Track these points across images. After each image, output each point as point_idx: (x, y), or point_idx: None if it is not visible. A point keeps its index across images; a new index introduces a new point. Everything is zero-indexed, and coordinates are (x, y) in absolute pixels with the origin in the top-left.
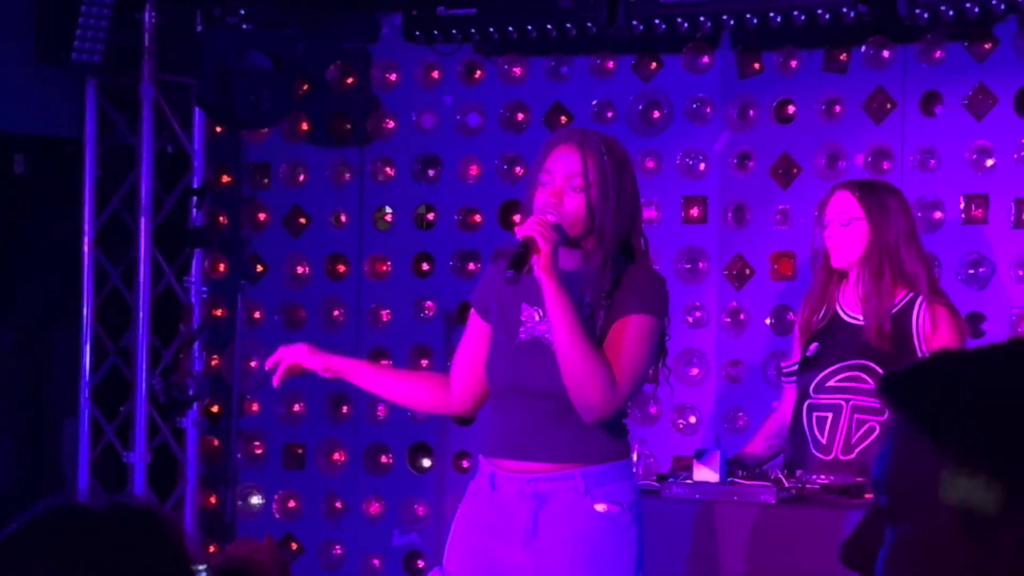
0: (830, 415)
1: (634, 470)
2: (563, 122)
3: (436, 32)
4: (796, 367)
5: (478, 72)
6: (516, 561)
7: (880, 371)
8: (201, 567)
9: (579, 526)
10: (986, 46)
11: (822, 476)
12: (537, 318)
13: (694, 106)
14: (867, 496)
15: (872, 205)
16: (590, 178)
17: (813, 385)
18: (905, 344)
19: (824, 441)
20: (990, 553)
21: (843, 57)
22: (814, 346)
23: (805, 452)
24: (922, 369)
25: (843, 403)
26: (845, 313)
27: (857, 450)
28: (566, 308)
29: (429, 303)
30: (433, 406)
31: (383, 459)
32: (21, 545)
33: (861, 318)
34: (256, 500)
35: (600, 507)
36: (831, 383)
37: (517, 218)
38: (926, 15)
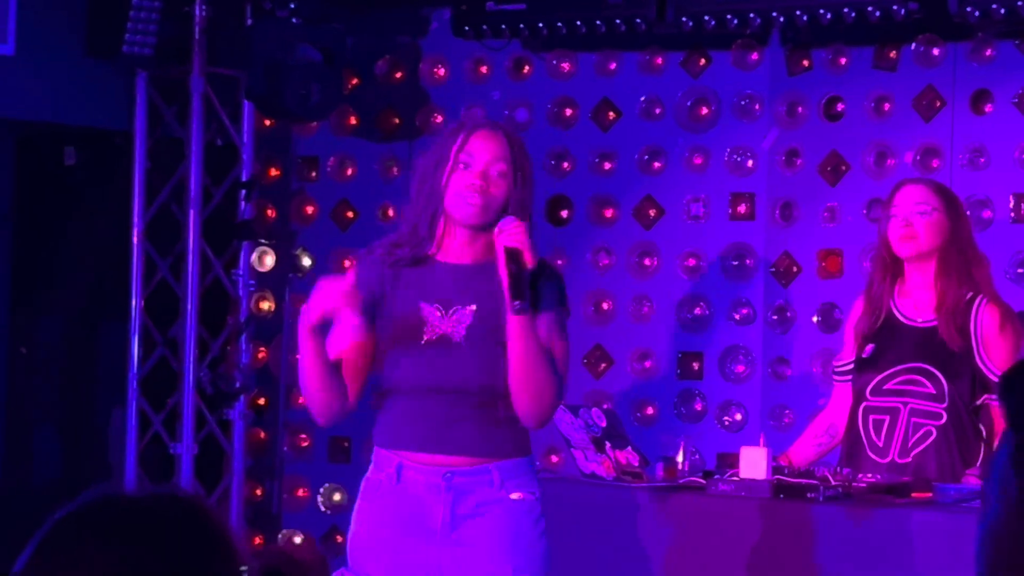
0: (887, 418)
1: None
2: (611, 118)
3: (485, 27)
4: (850, 366)
5: (526, 67)
6: (433, 556)
7: (938, 374)
8: (243, 568)
9: (497, 516)
10: None
11: (869, 475)
12: (439, 315)
13: (742, 103)
14: (913, 495)
15: (947, 200)
16: (516, 165)
17: (870, 388)
18: (965, 344)
19: (881, 444)
20: None
21: (893, 55)
22: (870, 347)
23: (861, 454)
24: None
25: (901, 406)
26: (901, 314)
27: (913, 453)
28: (533, 336)
29: None
30: (341, 408)
31: None
32: (68, 530)
33: (918, 320)
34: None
35: (515, 495)
36: (888, 386)
37: (498, 229)
38: (977, 13)
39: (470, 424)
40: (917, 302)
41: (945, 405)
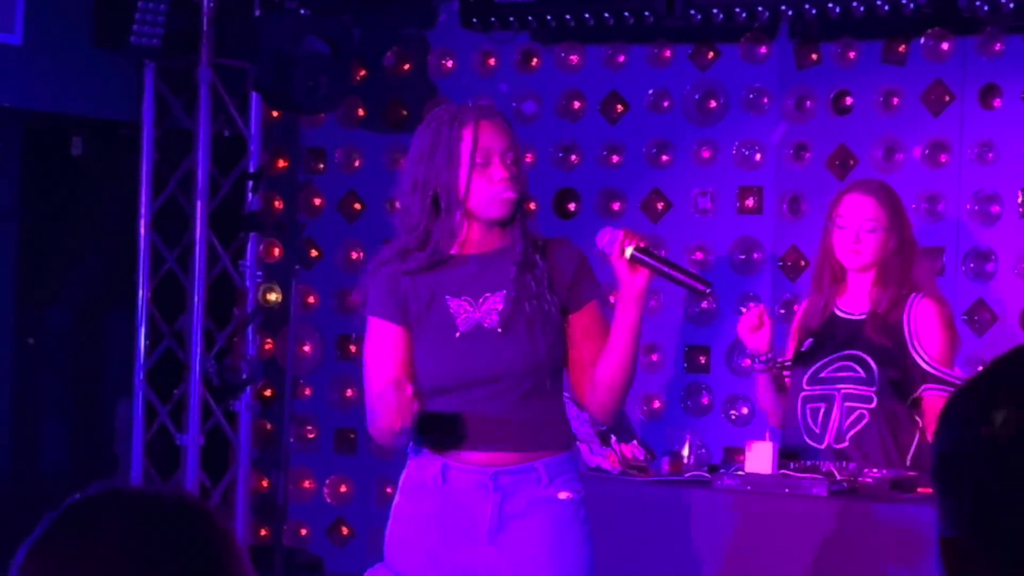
0: (823, 406)
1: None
2: (619, 111)
3: (493, 19)
4: (788, 363)
5: (535, 60)
6: (479, 557)
7: (868, 359)
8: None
9: (545, 516)
10: None
11: (875, 470)
12: (469, 307)
13: (751, 96)
14: (919, 490)
15: (892, 211)
16: (519, 146)
17: (807, 378)
18: (899, 337)
19: (817, 431)
20: None
21: (902, 49)
22: (809, 342)
23: (799, 442)
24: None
25: (835, 393)
26: (842, 311)
27: (848, 436)
28: (640, 327)
29: None
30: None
31: None
32: (70, 524)
33: (856, 314)
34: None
35: (563, 495)
36: (823, 374)
37: (605, 235)
38: (986, 7)
39: (514, 418)
40: (855, 298)
41: (875, 389)
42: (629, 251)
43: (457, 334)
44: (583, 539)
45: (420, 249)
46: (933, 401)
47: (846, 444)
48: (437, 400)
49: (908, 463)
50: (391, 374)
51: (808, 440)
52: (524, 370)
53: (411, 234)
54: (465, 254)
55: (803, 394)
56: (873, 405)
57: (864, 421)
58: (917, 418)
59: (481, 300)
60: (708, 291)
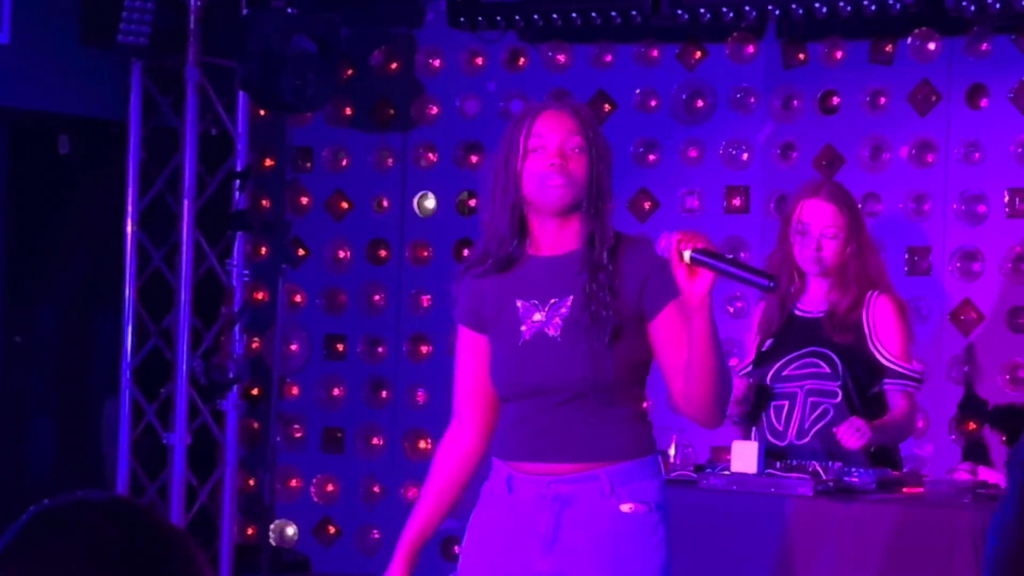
0: (786, 403)
1: (660, 467)
2: (606, 110)
3: (480, 19)
4: (748, 369)
5: (522, 59)
6: (536, 568)
7: (831, 355)
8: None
9: (603, 528)
10: None
11: (860, 469)
12: (536, 311)
13: (738, 96)
14: (904, 490)
15: (850, 216)
16: (591, 140)
17: (770, 376)
18: (859, 334)
19: (780, 428)
20: None
21: (889, 49)
22: (769, 342)
23: (761, 440)
24: None
25: (798, 390)
26: (801, 311)
27: (811, 433)
28: (713, 322)
29: None
30: (473, 467)
31: (422, 444)
32: (33, 531)
33: (815, 312)
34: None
35: (626, 507)
36: (786, 372)
37: (661, 240)
38: (973, 7)
39: (574, 427)
40: (814, 298)
41: (839, 383)
42: (687, 255)
43: (520, 342)
44: (648, 553)
45: (494, 252)
46: (894, 395)
47: (807, 440)
48: (504, 407)
49: (867, 459)
50: (468, 382)
51: (771, 438)
52: (584, 380)
53: (490, 237)
54: (537, 255)
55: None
56: (837, 400)
57: (829, 416)
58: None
59: (549, 304)
60: (772, 284)
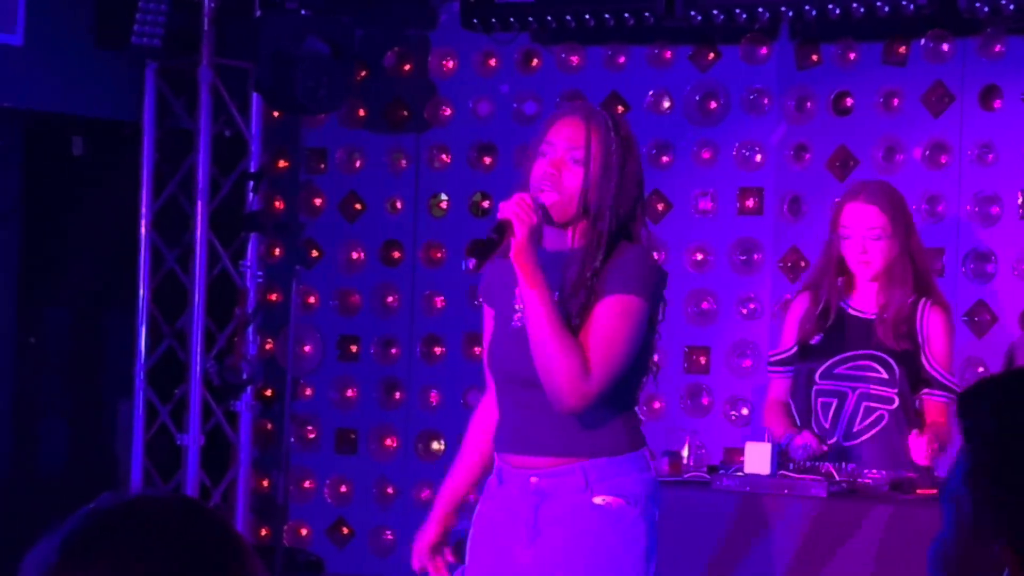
0: (835, 401)
1: (647, 463)
2: (620, 112)
3: (494, 20)
4: (786, 356)
5: (535, 60)
6: (520, 560)
7: (891, 360)
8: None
9: (578, 522)
10: None
11: (874, 471)
12: None
13: (751, 97)
14: (919, 491)
15: (898, 218)
16: (592, 151)
17: (820, 371)
18: (914, 343)
19: (827, 426)
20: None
21: (902, 50)
22: (818, 337)
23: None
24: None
25: (849, 391)
26: (853, 309)
27: (862, 438)
28: (540, 295)
29: None
30: None
31: (435, 445)
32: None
33: (868, 312)
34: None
35: (599, 500)
36: (839, 370)
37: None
38: (986, 8)
39: (554, 421)
40: (865, 297)
41: (897, 390)
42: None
43: (509, 330)
44: (624, 546)
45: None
46: (935, 406)
47: (856, 443)
48: (499, 399)
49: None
50: (486, 357)
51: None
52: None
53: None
54: (546, 248)
55: (816, 388)
56: (894, 407)
57: (884, 422)
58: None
59: None
60: (469, 265)
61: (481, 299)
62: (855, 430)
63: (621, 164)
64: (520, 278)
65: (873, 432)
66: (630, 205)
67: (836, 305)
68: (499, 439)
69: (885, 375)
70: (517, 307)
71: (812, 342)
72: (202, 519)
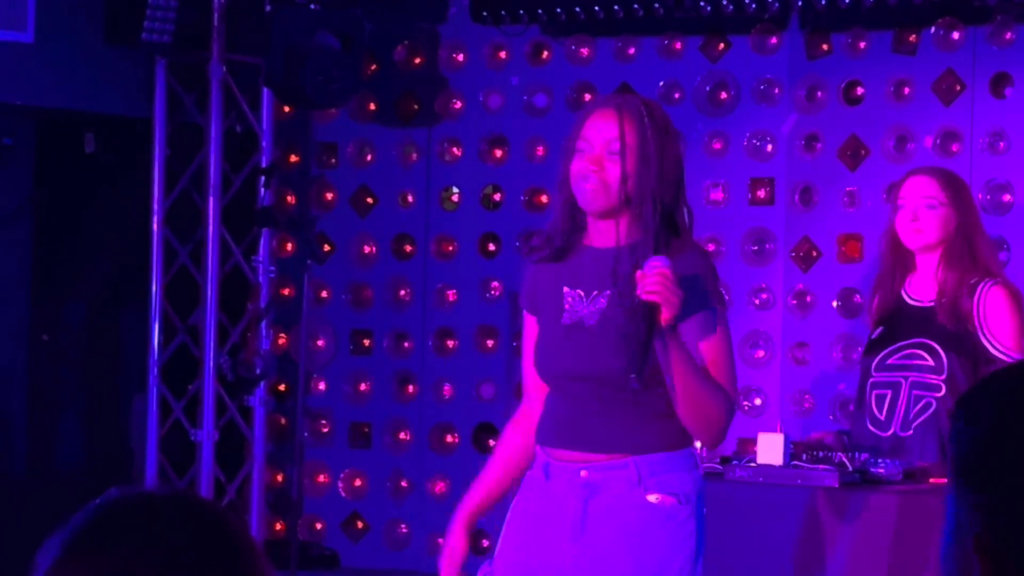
0: (889, 392)
1: (696, 461)
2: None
3: (504, 13)
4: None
5: (545, 53)
6: (564, 555)
7: (938, 347)
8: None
9: (629, 518)
10: None
11: (886, 460)
12: (580, 300)
13: (762, 87)
14: (931, 481)
15: (954, 191)
16: (628, 141)
17: (875, 364)
18: (969, 324)
19: (883, 418)
20: None
21: (912, 38)
22: (879, 330)
23: (863, 429)
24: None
25: (902, 380)
26: (909, 296)
27: (915, 425)
28: (689, 365)
29: (495, 283)
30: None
31: (448, 439)
32: (100, 530)
33: (923, 300)
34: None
35: (652, 498)
36: (891, 361)
37: (639, 274)
38: None
39: (607, 416)
40: (923, 285)
41: (943, 377)
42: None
43: (560, 328)
44: (675, 544)
45: (554, 240)
46: None
47: (911, 433)
48: (548, 395)
49: None
50: (531, 364)
51: (872, 428)
52: (614, 371)
53: (552, 225)
54: (592, 246)
55: (871, 380)
56: (941, 394)
57: (931, 410)
58: None
59: (592, 295)
60: (632, 379)
61: (523, 307)
62: (911, 419)
63: (659, 150)
64: (671, 352)
65: (923, 419)
66: (673, 191)
67: (898, 290)
68: (545, 434)
69: (932, 362)
70: (565, 307)
71: (874, 336)
72: (204, 516)
